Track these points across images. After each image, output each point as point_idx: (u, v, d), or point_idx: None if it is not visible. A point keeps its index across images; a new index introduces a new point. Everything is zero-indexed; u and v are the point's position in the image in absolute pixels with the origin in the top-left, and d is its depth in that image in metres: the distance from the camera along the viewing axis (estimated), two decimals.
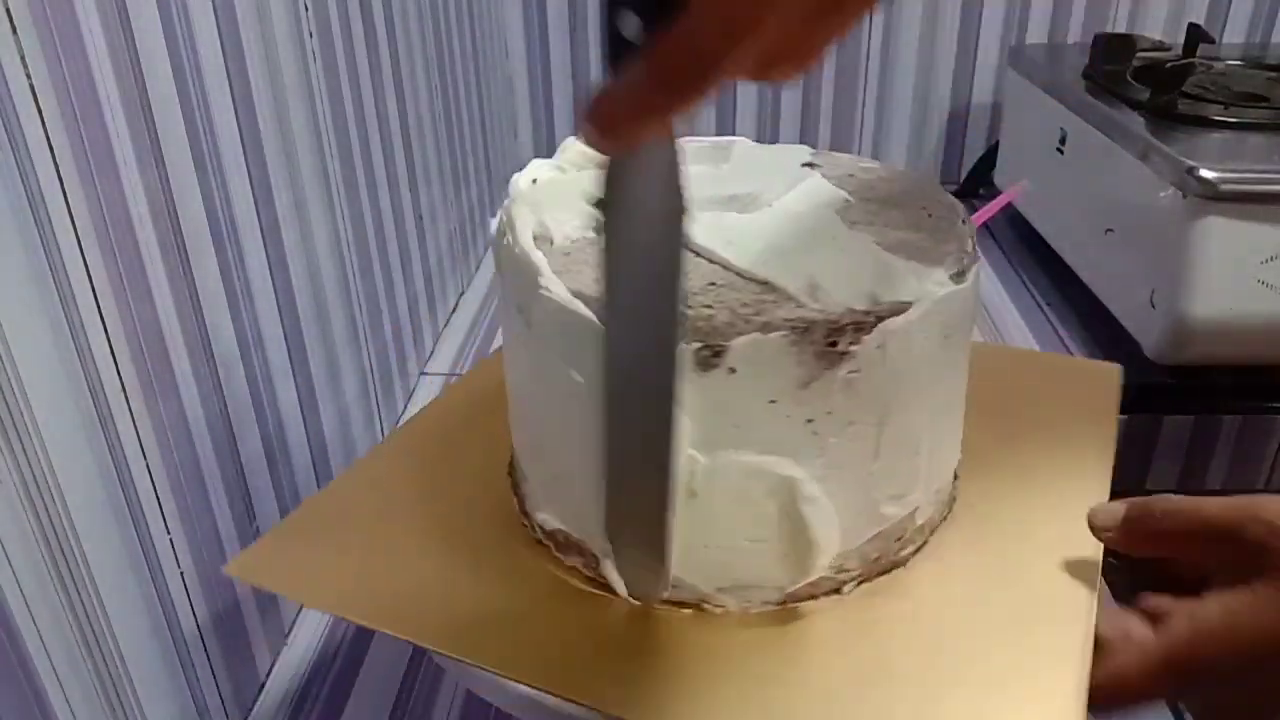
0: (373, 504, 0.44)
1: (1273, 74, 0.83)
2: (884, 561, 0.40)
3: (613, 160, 0.28)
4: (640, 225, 0.29)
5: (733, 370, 0.33)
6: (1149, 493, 0.39)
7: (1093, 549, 0.39)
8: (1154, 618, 0.35)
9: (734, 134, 1.09)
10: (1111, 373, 0.54)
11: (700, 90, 0.24)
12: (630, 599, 0.37)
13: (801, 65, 0.26)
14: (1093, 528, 0.38)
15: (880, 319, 0.34)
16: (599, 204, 0.28)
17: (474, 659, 0.35)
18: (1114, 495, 0.44)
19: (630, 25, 0.24)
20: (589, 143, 0.26)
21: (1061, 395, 0.51)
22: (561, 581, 0.39)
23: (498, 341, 0.43)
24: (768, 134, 1.10)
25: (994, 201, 0.56)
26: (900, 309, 0.34)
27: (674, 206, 0.28)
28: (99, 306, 0.36)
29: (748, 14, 0.23)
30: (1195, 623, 0.33)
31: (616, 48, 0.25)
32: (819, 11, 0.25)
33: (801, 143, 1.09)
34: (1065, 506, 0.42)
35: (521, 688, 0.36)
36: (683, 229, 0.29)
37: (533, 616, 0.38)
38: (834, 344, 0.33)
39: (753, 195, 0.42)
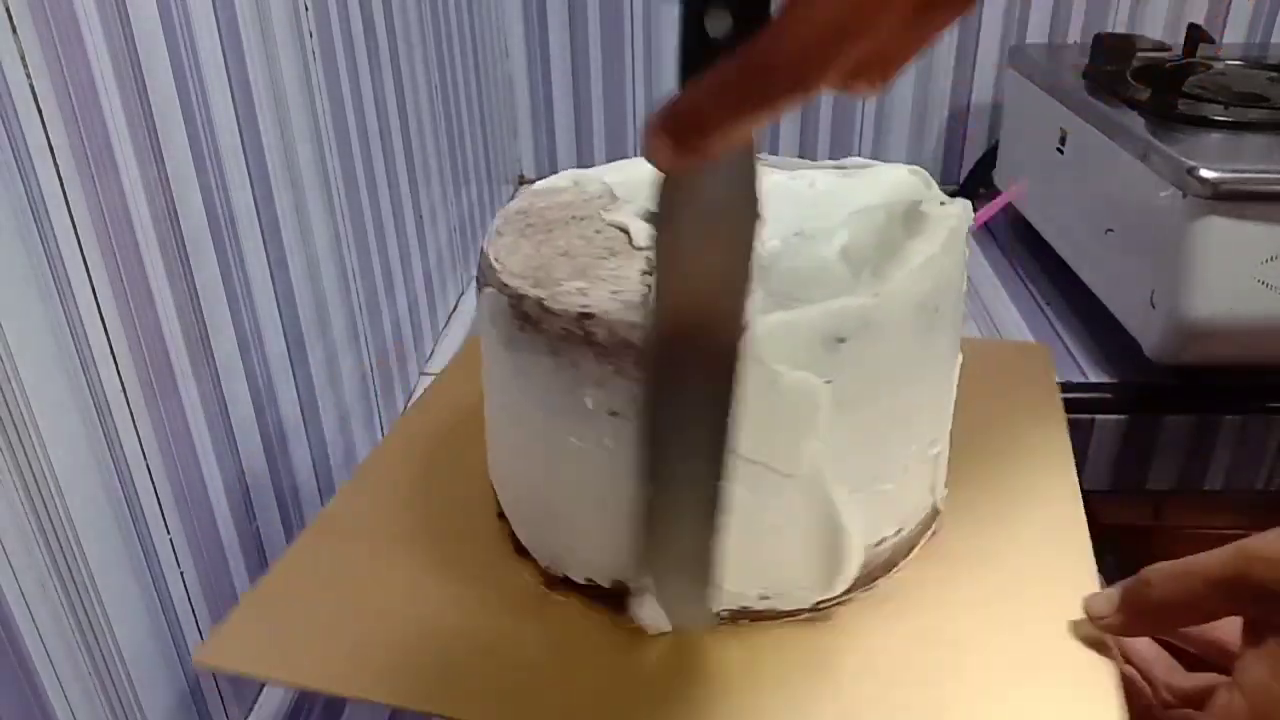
0: (354, 553, 0.43)
1: (1273, 74, 0.83)
2: (892, 561, 0.40)
3: (671, 175, 0.26)
4: (705, 238, 0.27)
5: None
6: (1150, 492, 0.40)
7: (1079, 540, 0.39)
8: (1197, 702, 0.34)
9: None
10: (1042, 352, 0.56)
11: (795, 97, 0.22)
12: (667, 631, 0.36)
13: (888, 73, 0.25)
14: (1090, 618, 0.36)
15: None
16: (652, 218, 0.26)
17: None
18: (1116, 494, 0.44)
19: (721, 25, 0.23)
20: (656, 157, 0.24)
21: (1002, 380, 0.51)
22: (567, 618, 0.39)
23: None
24: (767, 134, 1.10)
25: (994, 201, 0.56)
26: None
27: (749, 216, 0.27)
28: (99, 306, 0.36)
29: (858, 16, 0.22)
30: (1248, 691, 0.31)
31: (698, 52, 0.23)
32: (917, 15, 0.23)
33: (801, 142, 1.09)
34: (1042, 501, 0.42)
35: None
36: (755, 240, 0.27)
37: (542, 666, 0.37)
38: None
39: None
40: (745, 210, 0.27)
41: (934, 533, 0.42)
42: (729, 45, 0.23)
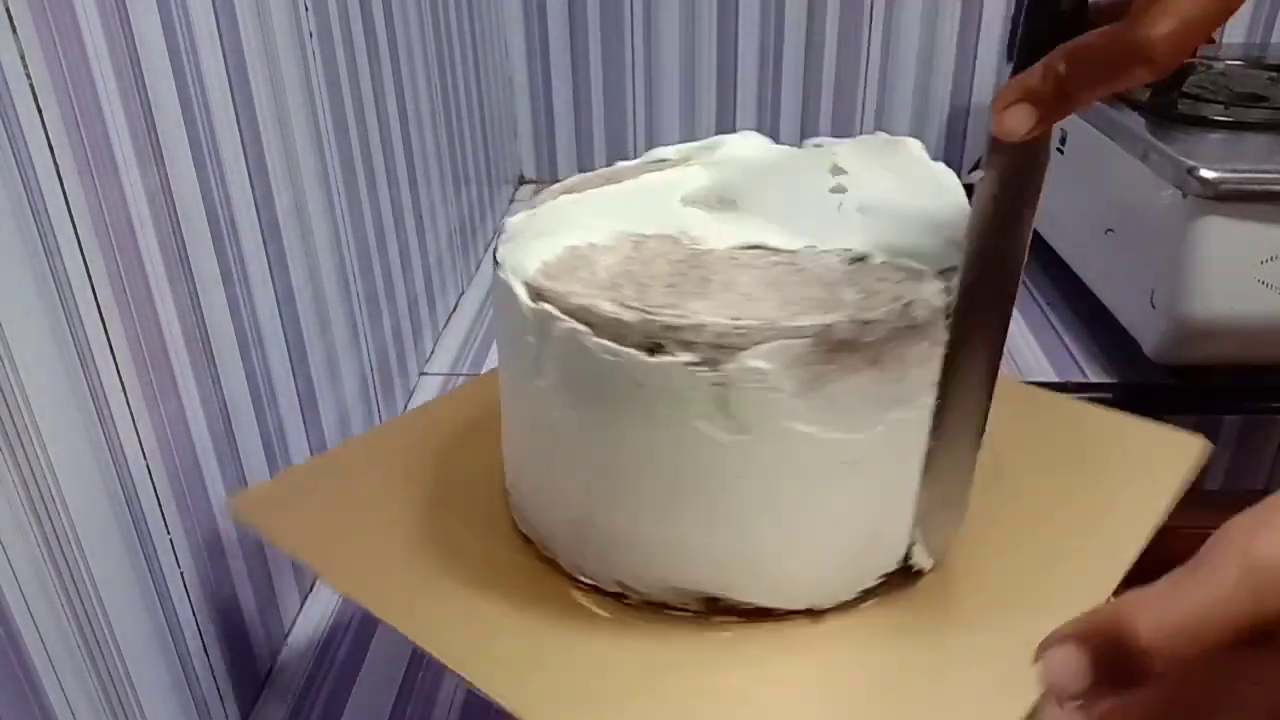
0: (378, 475, 0.45)
1: (1273, 74, 0.83)
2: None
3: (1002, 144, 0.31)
4: (1022, 192, 0.32)
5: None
6: None
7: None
8: None
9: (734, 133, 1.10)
10: (1192, 445, 0.47)
11: (1154, 73, 0.26)
12: (925, 560, 0.39)
13: (1185, 56, 0.28)
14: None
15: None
16: (985, 174, 0.32)
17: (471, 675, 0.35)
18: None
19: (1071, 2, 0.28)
20: (1013, 124, 0.29)
21: (1128, 458, 0.47)
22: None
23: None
24: (767, 134, 1.09)
25: None
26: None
27: (1042, 171, 0.32)
28: (99, 306, 0.36)
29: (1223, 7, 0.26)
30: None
31: (1048, 23, 0.28)
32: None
33: (801, 141, 1.09)
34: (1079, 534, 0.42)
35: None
36: (1041, 183, 0.32)
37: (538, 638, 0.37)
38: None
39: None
40: (1042, 167, 0.32)
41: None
42: (1075, 16, 0.28)
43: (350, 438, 0.57)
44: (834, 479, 0.36)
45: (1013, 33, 0.31)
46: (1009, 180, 0.32)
